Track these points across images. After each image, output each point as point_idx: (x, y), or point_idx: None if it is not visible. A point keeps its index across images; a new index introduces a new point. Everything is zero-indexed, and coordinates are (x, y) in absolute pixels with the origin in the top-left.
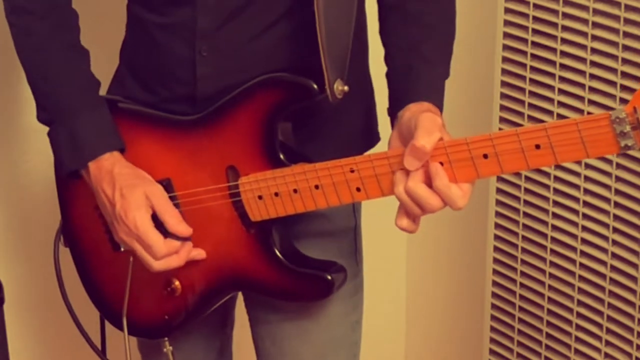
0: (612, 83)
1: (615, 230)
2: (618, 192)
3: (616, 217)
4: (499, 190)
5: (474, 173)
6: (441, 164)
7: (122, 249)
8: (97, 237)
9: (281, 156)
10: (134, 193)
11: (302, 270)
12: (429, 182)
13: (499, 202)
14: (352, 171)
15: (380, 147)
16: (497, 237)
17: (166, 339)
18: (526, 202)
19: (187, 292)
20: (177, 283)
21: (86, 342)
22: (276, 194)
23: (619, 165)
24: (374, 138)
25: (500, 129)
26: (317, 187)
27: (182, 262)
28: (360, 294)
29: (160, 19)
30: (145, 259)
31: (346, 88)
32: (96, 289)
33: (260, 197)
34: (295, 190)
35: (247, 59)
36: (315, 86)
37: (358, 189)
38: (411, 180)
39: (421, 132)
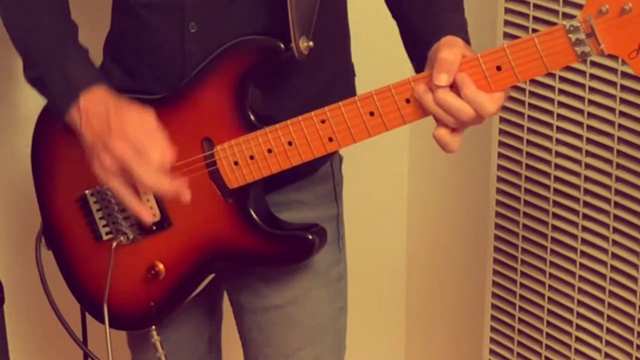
0: (612, 83)
1: (615, 230)
2: (618, 192)
3: (616, 217)
4: (499, 191)
5: None
6: (407, 101)
7: (104, 238)
8: (78, 231)
9: (252, 118)
10: (131, 111)
11: (282, 232)
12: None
13: (499, 202)
14: (323, 121)
15: None
16: (497, 237)
17: (153, 328)
18: (526, 202)
19: (171, 273)
20: (160, 266)
21: (71, 337)
22: (251, 157)
23: (619, 166)
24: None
25: (500, 129)
26: (290, 143)
27: (172, 187)
28: (344, 280)
29: None
30: (137, 169)
31: (311, 43)
32: (79, 285)
33: (236, 163)
34: (269, 150)
35: (235, 34)
36: (281, 44)
37: (330, 139)
38: (441, 91)
39: (443, 47)
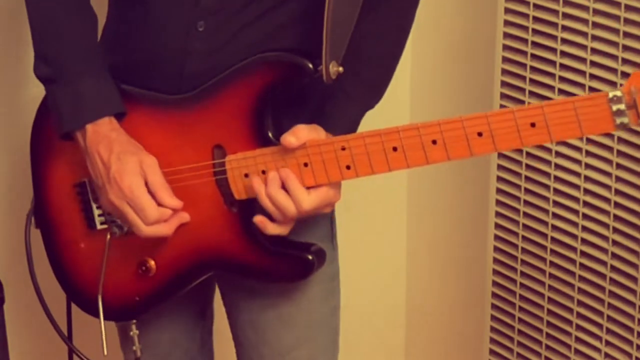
0: (612, 83)
1: (615, 230)
2: (618, 192)
3: (616, 217)
4: (499, 190)
5: (467, 151)
6: (434, 142)
7: (99, 227)
8: (72, 217)
9: (270, 134)
10: (130, 159)
11: (282, 250)
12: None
13: (499, 202)
14: (344, 149)
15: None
16: (497, 237)
17: (134, 322)
18: (526, 202)
19: (161, 271)
20: (152, 262)
21: (55, 329)
22: (263, 172)
23: (619, 165)
24: None
25: None
26: (305, 164)
27: (171, 230)
28: (338, 279)
29: None
30: (135, 223)
31: (341, 69)
32: (67, 271)
33: (246, 175)
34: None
35: (243, 41)
36: (310, 65)
37: (348, 167)
38: (270, 187)
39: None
